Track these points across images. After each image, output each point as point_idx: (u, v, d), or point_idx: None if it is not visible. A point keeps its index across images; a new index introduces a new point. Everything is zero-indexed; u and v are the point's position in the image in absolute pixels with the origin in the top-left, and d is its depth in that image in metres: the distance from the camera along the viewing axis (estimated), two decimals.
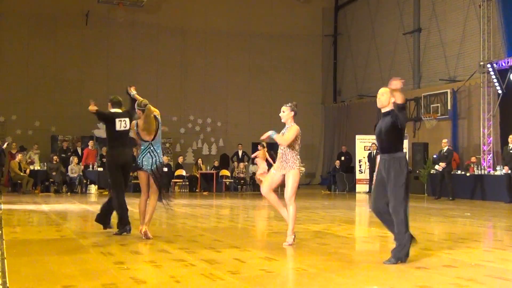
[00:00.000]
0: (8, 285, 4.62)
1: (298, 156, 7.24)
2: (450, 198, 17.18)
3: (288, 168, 7.16)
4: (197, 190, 21.23)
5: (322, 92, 28.99)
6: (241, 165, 22.68)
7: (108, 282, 4.82)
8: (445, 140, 18.26)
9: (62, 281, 4.84)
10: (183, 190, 21.58)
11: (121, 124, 8.17)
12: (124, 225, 8.04)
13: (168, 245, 6.97)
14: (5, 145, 19.09)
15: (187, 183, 21.68)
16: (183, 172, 21.65)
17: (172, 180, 21.50)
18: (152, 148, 7.75)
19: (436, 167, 18.22)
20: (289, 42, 28.01)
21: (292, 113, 7.27)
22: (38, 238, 7.84)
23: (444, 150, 17.91)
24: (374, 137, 24.09)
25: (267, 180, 7.37)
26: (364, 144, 22.31)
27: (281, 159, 7.25)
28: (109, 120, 8.18)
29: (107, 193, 19.02)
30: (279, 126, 7.47)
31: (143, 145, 7.76)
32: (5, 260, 5.71)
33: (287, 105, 7.31)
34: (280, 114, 7.30)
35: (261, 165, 17.54)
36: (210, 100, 26.65)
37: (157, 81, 25.67)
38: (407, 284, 4.88)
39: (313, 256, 6.43)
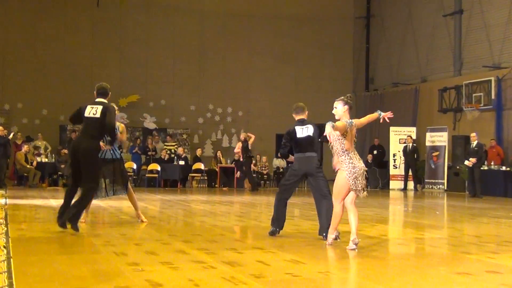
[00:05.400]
0: (14, 286, 4.66)
1: (348, 156, 6.73)
2: (481, 196, 17.19)
3: (337, 166, 6.94)
4: (216, 186, 21.28)
5: (353, 79, 28.83)
6: (264, 158, 22.69)
7: (122, 284, 4.85)
8: (473, 134, 18.20)
9: (71, 282, 4.88)
10: (201, 185, 21.66)
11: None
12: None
13: (186, 245, 6.99)
14: (11, 135, 19.27)
15: (206, 177, 21.75)
16: (201, 166, 21.74)
17: (190, 174, 21.62)
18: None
19: (466, 162, 18.18)
20: (317, 24, 27.86)
21: (346, 107, 6.86)
22: (46, 235, 7.91)
23: (474, 145, 17.93)
24: (410, 128, 23.84)
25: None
26: (399, 137, 22.13)
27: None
28: None
29: None
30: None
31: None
32: (11, 259, 5.77)
33: (339, 99, 6.92)
34: (333, 111, 6.94)
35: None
36: (230, 88, 26.64)
37: (173, 67, 25.76)
38: None
39: (343, 259, 6.41)
